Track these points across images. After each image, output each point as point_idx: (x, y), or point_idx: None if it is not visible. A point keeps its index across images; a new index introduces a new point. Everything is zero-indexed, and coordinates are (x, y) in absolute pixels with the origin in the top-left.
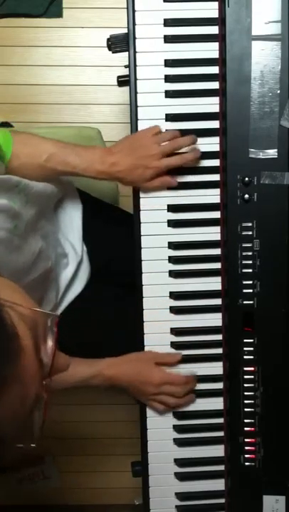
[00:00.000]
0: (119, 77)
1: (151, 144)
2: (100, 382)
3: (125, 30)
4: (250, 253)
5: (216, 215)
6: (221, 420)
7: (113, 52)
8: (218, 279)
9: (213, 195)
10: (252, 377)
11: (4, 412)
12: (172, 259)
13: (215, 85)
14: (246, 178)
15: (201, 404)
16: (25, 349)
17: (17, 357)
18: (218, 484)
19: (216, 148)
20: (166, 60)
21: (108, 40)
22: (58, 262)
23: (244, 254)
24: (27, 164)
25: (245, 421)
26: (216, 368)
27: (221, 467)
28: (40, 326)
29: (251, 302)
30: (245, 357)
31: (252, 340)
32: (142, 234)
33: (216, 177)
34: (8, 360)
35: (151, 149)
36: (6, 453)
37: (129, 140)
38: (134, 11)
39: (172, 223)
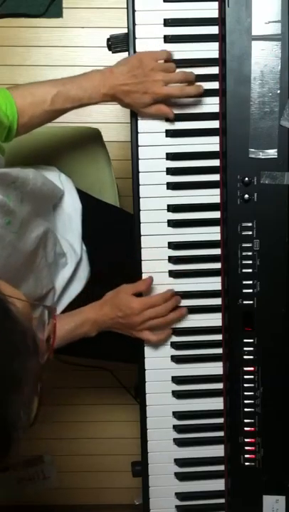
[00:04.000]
0: None
1: (155, 69)
2: (87, 329)
3: (125, 30)
4: (250, 253)
5: (216, 215)
6: (221, 420)
7: (113, 52)
8: (218, 279)
9: (213, 195)
10: (252, 377)
11: (19, 403)
12: (172, 259)
13: (215, 85)
14: (246, 178)
15: (201, 404)
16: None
17: (32, 353)
18: (218, 484)
19: (216, 148)
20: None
21: (108, 40)
22: (56, 262)
23: (244, 254)
24: (35, 114)
25: (245, 421)
26: (216, 368)
27: (221, 467)
28: (36, 318)
29: (251, 302)
30: (245, 357)
31: (252, 340)
32: (141, 234)
33: (216, 177)
34: (26, 356)
35: (155, 75)
36: (18, 440)
37: (134, 61)
38: (134, 11)
39: (172, 223)
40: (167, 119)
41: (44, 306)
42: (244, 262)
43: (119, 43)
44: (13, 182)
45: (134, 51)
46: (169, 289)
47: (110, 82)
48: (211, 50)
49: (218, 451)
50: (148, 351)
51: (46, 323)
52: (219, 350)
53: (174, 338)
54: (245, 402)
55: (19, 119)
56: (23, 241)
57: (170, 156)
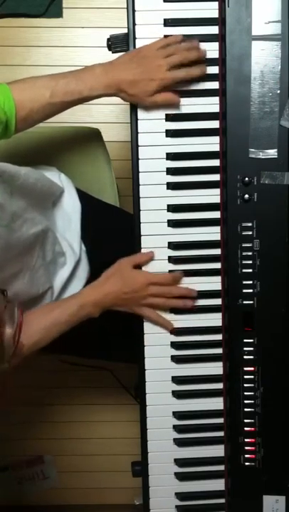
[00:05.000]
0: None
1: (156, 56)
2: (89, 311)
3: (125, 30)
4: (250, 253)
5: (216, 215)
6: (221, 420)
7: (113, 52)
8: (218, 279)
9: (213, 195)
10: (252, 377)
11: None
12: (172, 259)
13: (215, 85)
14: (246, 178)
15: (201, 404)
16: None
17: None
18: (218, 484)
19: (216, 148)
20: None
21: (108, 40)
22: (54, 261)
23: (244, 254)
24: (34, 108)
25: (245, 421)
26: (216, 368)
27: (221, 467)
28: (7, 313)
29: (251, 302)
30: (245, 357)
31: (252, 340)
32: (142, 234)
33: (216, 177)
34: None
35: (157, 61)
36: None
37: (133, 52)
38: (134, 11)
39: (172, 223)
40: (167, 119)
41: (14, 303)
42: (244, 262)
43: (119, 43)
44: None
45: None
46: (180, 272)
47: (112, 73)
48: (211, 50)
49: (218, 451)
50: (148, 351)
51: (15, 320)
52: (219, 350)
53: (174, 338)
54: (245, 402)
55: (18, 114)
56: (16, 236)
57: (170, 156)
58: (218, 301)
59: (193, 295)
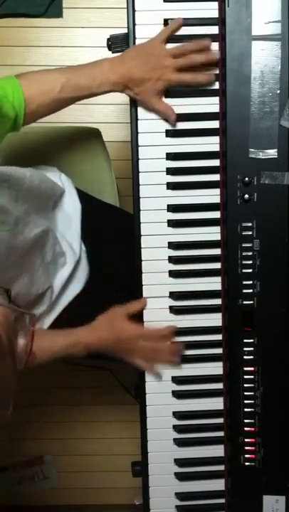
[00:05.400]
0: None
1: (164, 54)
2: (78, 350)
3: (125, 30)
4: (250, 253)
5: (216, 215)
6: (221, 420)
7: (113, 52)
8: (218, 279)
9: (213, 195)
10: (252, 377)
11: None
12: (172, 259)
13: (215, 85)
14: (246, 178)
15: (201, 404)
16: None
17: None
18: (218, 484)
19: (216, 148)
20: None
21: (108, 40)
22: (54, 261)
23: (244, 254)
24: (43, 102)
25: (245, 421)
26: (216, 368)
27: (221, 467)
28: (14, 322)
29: (251, 302)
30: (245, 357)
31: (252, 340)
32: (142, 234)
33: (216, 177)
34: None
35: (165, 61)
36: None
37: (141, 49)
38: (134, 11)
39: (172, 223)
40: (167, 119)
41: (25, 312)
42: (244, 262)
43: (119, 42)
44: (5, 181)
45: None
46: (170, 326)
47: (121, 70)
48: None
49: (218, 451)
50: None
51: (27, 329)
52: (219, 350)
53: (174, 338)
54: (245, 402)
55: (26, 108)
56: (18, 239)
57: (170, 156)
58: (218, 301)
59: (181, 352)
